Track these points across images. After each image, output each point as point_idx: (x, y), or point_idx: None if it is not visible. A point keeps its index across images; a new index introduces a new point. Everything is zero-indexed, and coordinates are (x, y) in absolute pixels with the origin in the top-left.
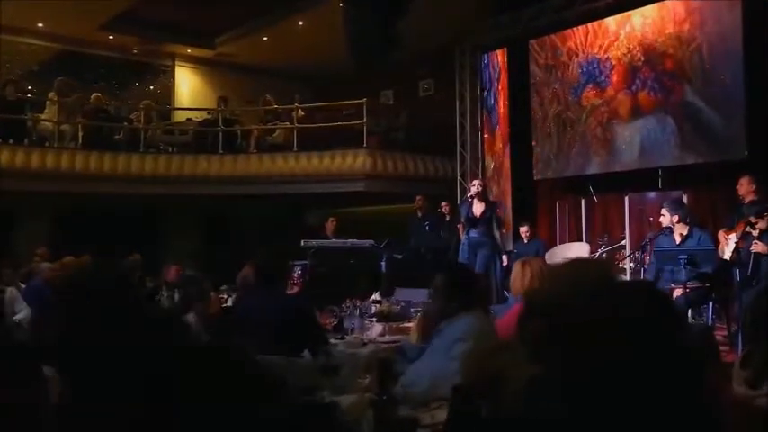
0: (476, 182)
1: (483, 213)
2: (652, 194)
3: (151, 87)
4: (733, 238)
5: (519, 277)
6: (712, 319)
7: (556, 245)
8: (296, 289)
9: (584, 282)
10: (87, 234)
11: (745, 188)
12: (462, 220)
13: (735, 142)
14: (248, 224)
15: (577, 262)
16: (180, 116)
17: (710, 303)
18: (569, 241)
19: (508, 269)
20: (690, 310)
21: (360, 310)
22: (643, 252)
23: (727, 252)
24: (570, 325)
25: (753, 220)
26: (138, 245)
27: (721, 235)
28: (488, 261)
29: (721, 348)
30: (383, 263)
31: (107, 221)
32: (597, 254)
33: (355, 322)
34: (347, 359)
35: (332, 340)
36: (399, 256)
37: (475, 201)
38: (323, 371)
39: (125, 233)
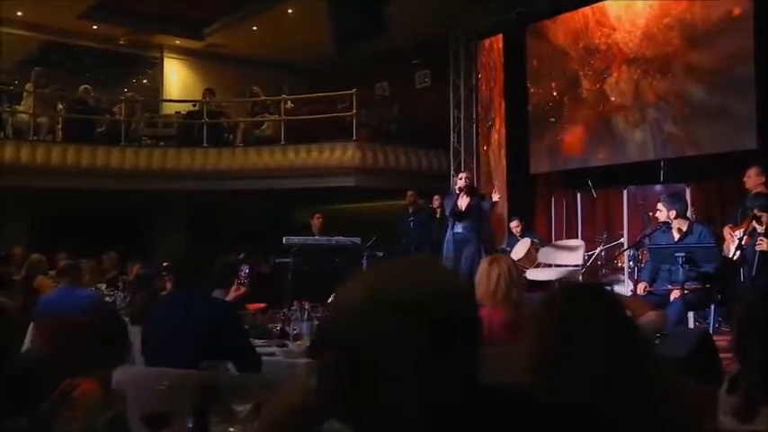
0: (462, 174)
1: (469, 207)
2: (653, 188)
3: (139, 79)
4: (739, 234)
5: (484, 278)
6: (716, 323)
7: (552, 242)
8: (242, 290)
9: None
10: (68, 231)
11: (753, 180)
12: (447, 213)
13: (744, 132)
14: (235, 221)
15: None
16: (168, 109)
17: (713, 306)
18: (567, 238)
19: None
20: (691, 314)
21: (308, 313)
22: (638, 250)
23: (732, 250)
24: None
25: (757, 213)
26: (119, 242)
27: (727, 231)
28: (474, 258)
29: (727, 356)
30: (363, 261)
31: (87, 218)
32: (596, 252)
33: (302, 327)
34: (283, 372)
35: (273, 348)
36: (380, 254)
37: (461, 194)
38: (205, 390)
39: (106, 230)
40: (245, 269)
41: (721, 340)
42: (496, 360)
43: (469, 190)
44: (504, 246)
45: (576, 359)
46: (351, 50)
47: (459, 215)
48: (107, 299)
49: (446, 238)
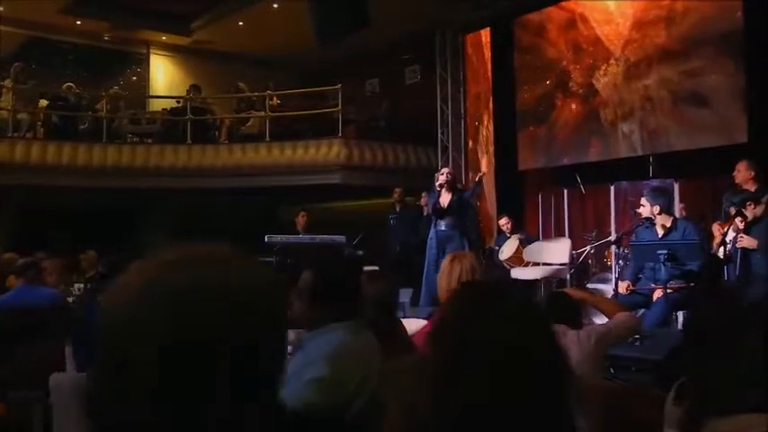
0: (444, 170)
1: (451, 203)
2: (641, 184)
3: (126, 76)
4: (729, 231)
5: (445, 276)
6: None
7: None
8: None
9: None
10: (50, 230)
11: (742, 174)
12: (429, 211)
13: (734, 126)
14: (220, 219)
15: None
16: (156, 105)
17: None
18: (557, 235)
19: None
20: (677, 314)
21: None
22: (619, 247)
23: (715, 247)
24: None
25: (734, 211)
26: (103, 241)
27: (716, 228)
28: None
29: None
30: None
31: (70, 216)
32: (586, 250)
33: None
34: None
35: None
36: (360, 253)
37: (443, 191)
38: None
39: (90, 229)
40: None
41: None
42: None
43: (451, 186)
44: (493, 245)
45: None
46: (332, 42)
47: (441, 212)
48: (70, 299)
49: (429, 236)
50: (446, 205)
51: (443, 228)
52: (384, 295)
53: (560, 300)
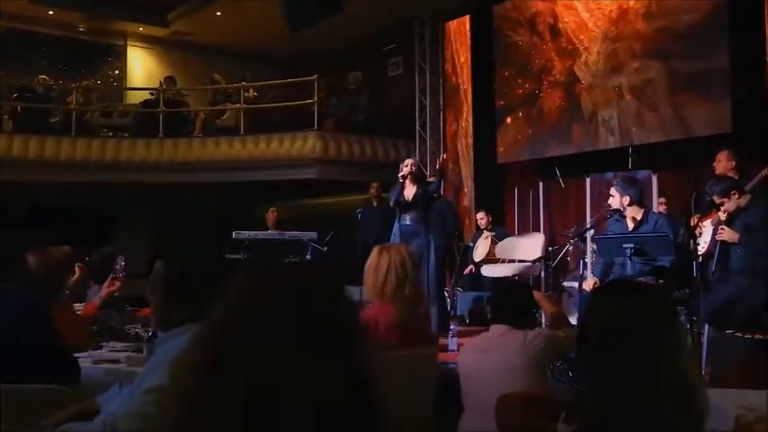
0: (408, 161)
1: (416, 196)
2: (611, 175)
3: (102, 69)
4: (708, 225)
5: (372, 270)
6: None
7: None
8: (116, 285)
9: None
10: (20, 226)
11: (723, 165)
12: (392, 204)
13: (718, 115)
14: (194, 215)
15: None
16: (133, 98)
17: None
18: (534, 231)
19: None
20: None
21: None
22: (583, 242)
23: (701, 243)
24: None
25: (717, 200)
26: (76, 238)
27: (693, 221)
28: (422, 252)
29: None
30: (308, 256)
31: (40, 212)
32: (565, 246)
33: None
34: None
35: (127, 353)
36: (324, 249)
37: (407, 183)
38: None
39: (62, 225)
40: (122, 262)
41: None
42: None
43: (416, 178)
44: (469, 242)
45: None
46: (303, 28)
47: (404, 206)
48: None
49: (393, 232)
50: (410, 198)
51: (408, 222)
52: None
53: (507, 297)
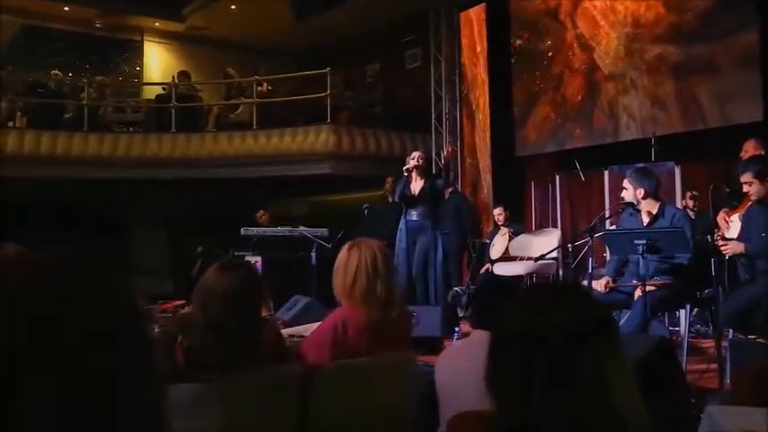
0: (415, 154)
1: (423, 191)
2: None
3: (119, 64)
4: (736, 219)
5: (341, 268)
6: (690, 328)
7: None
8: None
9: None
10: (27, 224)
11: (751, 154)
12: (397, 198)
13: (748, 104)
14: (207, 211)
15: None
16: (149, 93)
17: (688, 306)
18: (552, 226)
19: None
20: (661, 317)
21: None
22: (593, 237)
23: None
24: None
25: (747, 179)
26: (81, 235)
27: (721, 217)
28: (429, 249)
29: (709, 368)
30: (312, 254)
31: (50, 209)
32: (587, 243)
33: None
34: None
35: None
36: (329, 245)
37: (414, 176)
38: None
39: (70, 221)
40: None
41: (704, 347)
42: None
43: (424, 171)
44: (486, 239)
45: None
46: (310, 17)
47: (410, 200)
48: None
49: (399, 228)
50: (417, 193)
51: (414, 217)
52: (234, 291)
53: (489, 299)
